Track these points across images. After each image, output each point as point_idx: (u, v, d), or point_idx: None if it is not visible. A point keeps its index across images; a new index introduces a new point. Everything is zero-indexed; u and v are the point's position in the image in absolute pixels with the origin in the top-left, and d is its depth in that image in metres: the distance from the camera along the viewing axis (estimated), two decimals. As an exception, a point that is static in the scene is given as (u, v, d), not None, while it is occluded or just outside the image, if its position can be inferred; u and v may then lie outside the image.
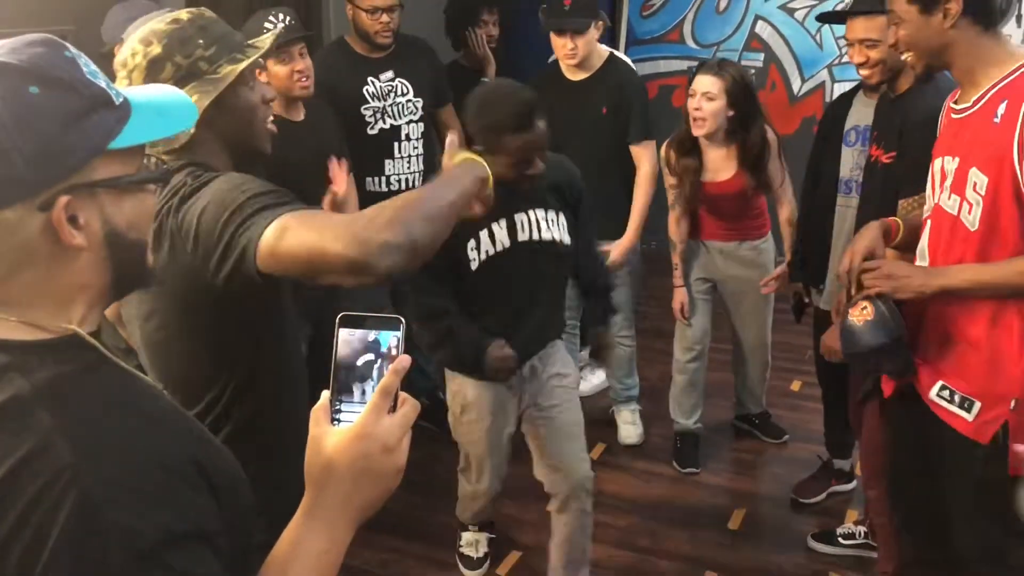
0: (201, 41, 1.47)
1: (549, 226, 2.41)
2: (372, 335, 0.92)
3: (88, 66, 0.89)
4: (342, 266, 1.22)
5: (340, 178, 2.68)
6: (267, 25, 2.74)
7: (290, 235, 1.25)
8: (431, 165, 3.45)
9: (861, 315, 1.94)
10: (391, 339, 0.92)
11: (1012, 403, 1.84)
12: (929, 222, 1.97)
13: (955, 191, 1.87)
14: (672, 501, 3.36)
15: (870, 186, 2.50)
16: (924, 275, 1.91)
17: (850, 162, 2.86)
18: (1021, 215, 1.78)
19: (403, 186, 3.40)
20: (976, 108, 1.86)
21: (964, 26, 1.82)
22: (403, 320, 0.93)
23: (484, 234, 2.35)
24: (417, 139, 3.40)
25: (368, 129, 3.30)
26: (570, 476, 2.58)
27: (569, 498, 2.58)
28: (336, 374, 0.91)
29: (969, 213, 1.84)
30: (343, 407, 0.91)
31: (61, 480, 0.77)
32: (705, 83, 3.10)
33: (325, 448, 0.89)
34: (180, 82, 1.43)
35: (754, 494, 3.43)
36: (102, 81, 0.90)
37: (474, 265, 2.35)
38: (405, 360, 0.90)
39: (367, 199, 3.12)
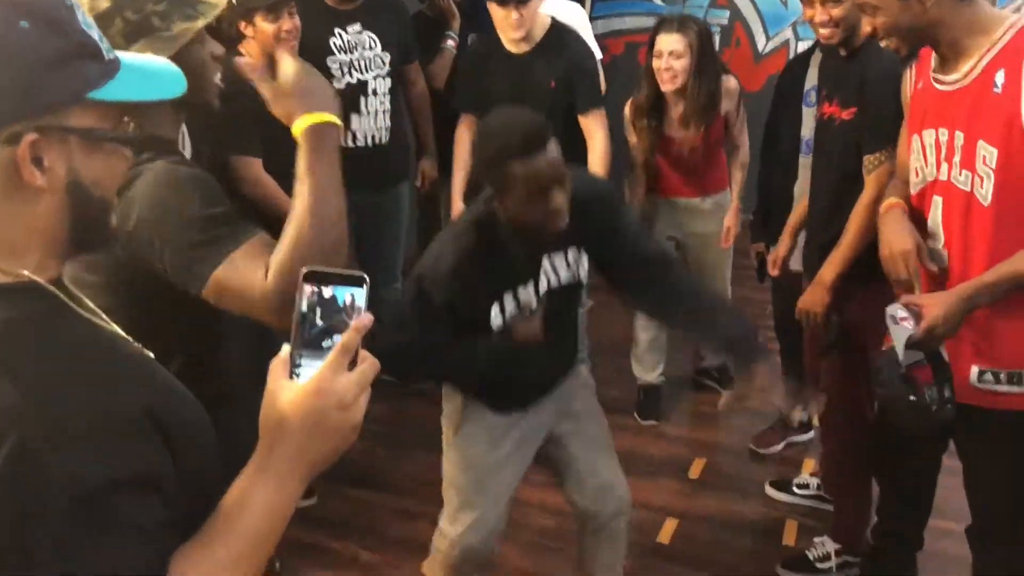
0: None
1: (570, 266, 2.11)
2: (335, 291, 0.92)
3: (85, 18, 0.90)
4: (266, 315, 1.31)
5: None
6: None
7: (232, 281, 1.33)
8: (398, 122, 3.44)
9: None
10: (354, 296, 0.92)
11: None
12: (939, 199, 1.93)
13: (965, 167, 1.85)
14: (634, 452, 3.43)
15: (824, 144, 2.53)
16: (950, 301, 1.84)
17: (811, 122, 2.90)
18: None
19: (369, 142, 3.36)
20: (971, 79, 1.83)
21: (943, 4, 1.79)
22: (367, 278, 0.93)
23: (509, 297, 2.05)
24: (384, 95, 3.37)
25: (334, 83, 3.25)
26: (615, 492, 2.34)
27: (611, 519, 2.34)
28: (297, 328, 0.91)
29: (981, 187, 1.82)
30: (303, 361, 0.91)
31: (2, 422, 0.77)
32: (671, 41, 3.15)
33: (280, 402, 0.89)
34: (130, 38, 1.39)
35: (714, 444, 3.52)
36: (95, 34, 0.90)
37: (495, 325, 2.04)
38: (367, 318, 0.91)
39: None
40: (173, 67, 1.02)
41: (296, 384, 0.89)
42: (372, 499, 3.02)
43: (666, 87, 3.20)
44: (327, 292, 0.92)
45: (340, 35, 3.26)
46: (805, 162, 2.93)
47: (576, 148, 3.28)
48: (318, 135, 1.36)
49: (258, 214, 2.72)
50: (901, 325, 1.89)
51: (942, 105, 1.91)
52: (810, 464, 3.27)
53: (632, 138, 3.38)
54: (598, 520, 2.34)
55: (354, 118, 3.33)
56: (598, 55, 3.59)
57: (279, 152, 2.76)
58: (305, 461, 0.90)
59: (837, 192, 2.42)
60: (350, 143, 3.35)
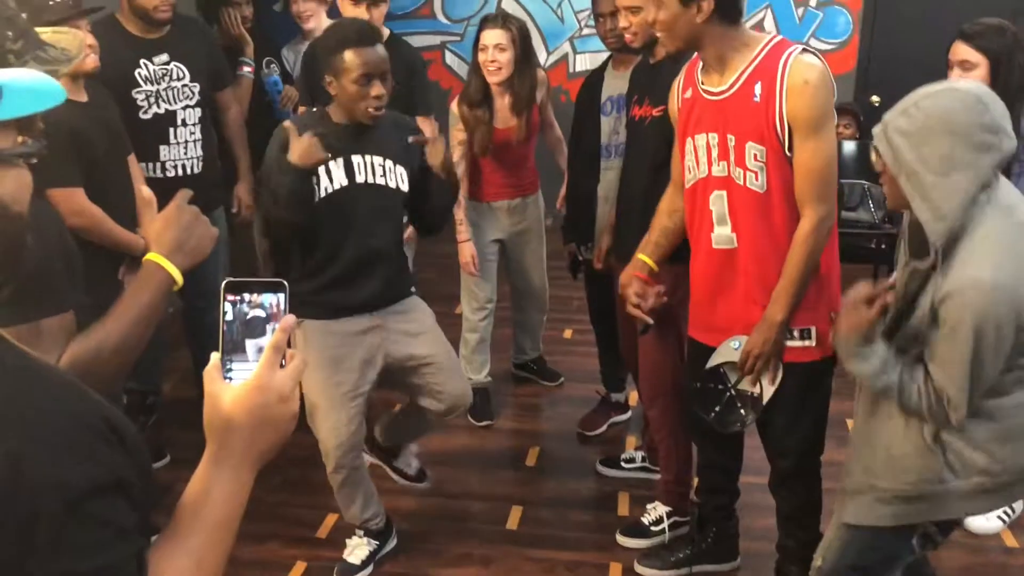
0: (10, 33, 1.43)
1: (386, 172, 2.60)
2: (257, 298, 1.02)
3: None
4: None
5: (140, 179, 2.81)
6: None
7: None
8: (209, 150, 3.44)
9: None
10: (275, 301, 1.02)
11: (832, 315, 2.22)
12: (723, 193, 2.25)
13: (738, 164, 2.20)
14: (472, 449, 3.62)
15: (637, 142, 2.82)
16: (766, 329, 2.24)
17: (608, 128, 3.21)
18: (790, 174, 2.15)
19: (180, 172, 3.34)
20: (734, 90, 2.19)
21: (714, 22, 2.14)
22: (286, 283, 1.04)
23: (322, 171, 2.51)
24: (194, 124, 3.36)
25: (141, 113, 3.22)
26: (463, 399, 2.83)
27: (453, 413, 2.85)
28: (225, 336, 1.00)
29: (756, 179, 2.19)
30: (233, 366, 1.00)
31: None
32: (495, 36, 3.40)
33: (223, 402, 0.98)
34: None
35: (544, 432, 3.77)
36: None
37: (316, 198, 2.51)
38: (290, 319, 1.01)
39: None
40: (44, 76, 1.05)
41: (236, 385, 0.99)
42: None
43: (492, 79, 3.44)
44: (249, 299, 1.02)
45: (146, 65, 3.22)
46: (606, 165, 3.22)
47: None
48: (153, 272, 1.48)
49: (84, 242, 2.67)
50: (727, 346, 2.33)
51: (712, 112, 2.25)
52: (633, 440, 3.58)
53: (460, 135, 3.55)
54: (440, 416, 2.85)
55: (163, 149, 3.31)
56: None
57: (105, 177, 2.76)
58: (255, 451, 1.00)
59: (651, 181, 2.69)
60: (159, 173, 3.32)
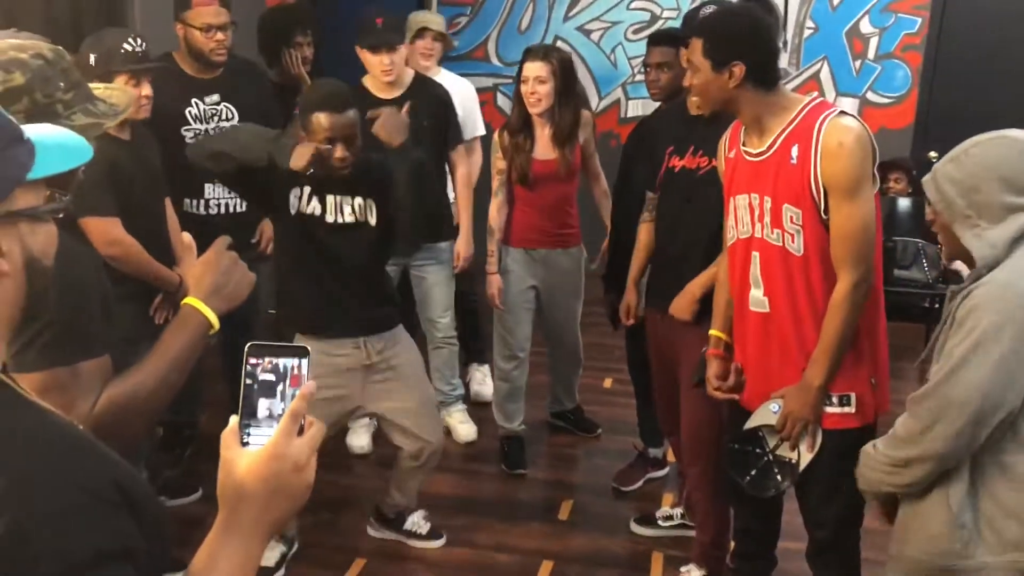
0: (62, 84, 1.47)
1: (355, 210, 2.71)
2: (279, 362, 0.99)
3: None
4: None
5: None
6: (126, 46, 2.69)
7: (48, 395, 1.39)
8: None
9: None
10: (297, 366, 1.00)
11: (872, 381, 2.18)
12: (757, 254, 2.23)
13: (775, 226, 2.18)
14: (504, 498, 3.55)
15: (686, 192, 2.77)
16: (803, 394, 2.18)
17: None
18: (826, 237, 2.11)
19: (222, 210, 3.38)
20: (772, 152, 2.17)
21: (748, 87, 2.15)
22: (309, 349, 1.02)
23: (304, 191, 2.67)
24: None
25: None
26: (431, 444, 2.94)
27: (425, 458, 2.96)
28: (245, 400, 0.98)
29: (793, 242, 2.16)
30: (252, 430, 0.98)
31: None
32: (536, 68, 3.44)
33: (238, 469, 0.95)
34: (31, 118, 1.40)
35: (579, 485, 3.68)
36: (10, 116, 0.94)
37: (292, 211, 2.67)
38: (311, 386, 0.99)
39: (186, 220, 3.13)
40: (70, 133, 1.06)
41: (251, 451, 0.96)
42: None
43: (533, 109, 3.45)
44: (271, 364, 0.99)
45: (197, 104, 3.27)
46: (648, 217, 3.17)
47: (442, 179, 3.72)
48: (190, 316, 1.54)
49: (116, 272, 2.71)
50: (767, 409, 2.26)
51: (751, 173, 2.24)
52: (669, 498, 3.48)
53: (500, 163, 3.57)
54: (418, 459, 2.97)
55: (208, 187, 3.34)
56: (480, 126, 4.05)
57: (141, 213, 2.79)
58: (266, 521, 0.97)
59: (714, 230, 2.61)
60: (203, 210, 3.36)
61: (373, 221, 2.74)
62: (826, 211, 2.10)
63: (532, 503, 3.53)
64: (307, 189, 2.67)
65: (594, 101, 6.02)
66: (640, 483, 3.59)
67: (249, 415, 0.98)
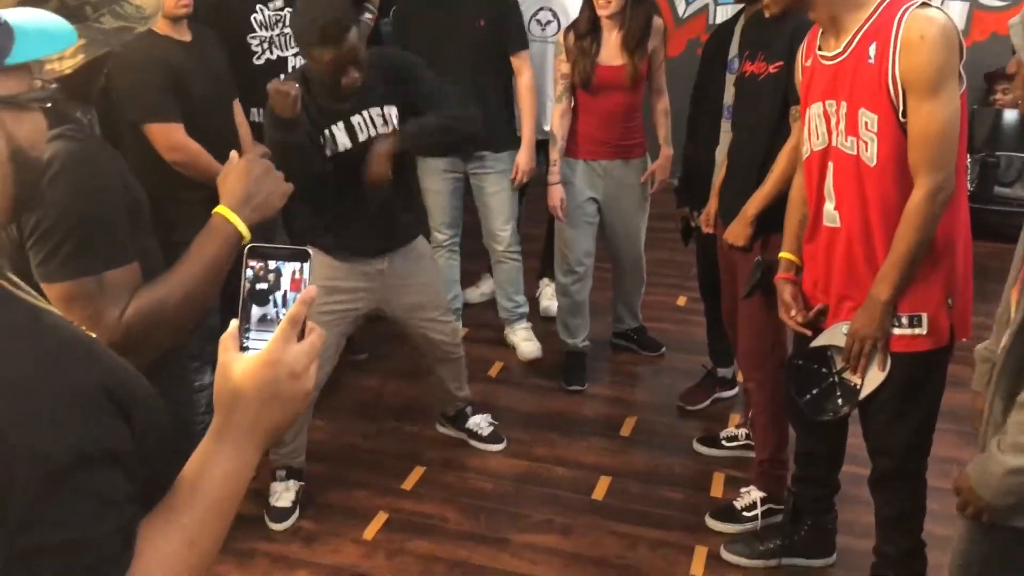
0: None
1: (386, 121, 2.67)
2: (279, 266, 0.95)
3: None
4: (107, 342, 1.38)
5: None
6: None
7: (67, 305, 1.39)
8: None
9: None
10: (298, 270, 0.96)
11: (948, 301, 2.04)
12: (831, 165, 2.09)
13: (850, 133, 2.02)
14: (566, 413, 3.53)
15: (749, 99, 2.63)
16: (869, 310, 2.04)
17: (732, 89, 2.99)
18: (903, 144, 1.95)
19: None
20: (849, 52, 2.00)
21: None
22: (310, 252, 0.97)
23: (328, 133, 2.62)
24: None
25: (254, 59, 3.23)
26: (449, 342, 3.03)
27: (446, 353, 3.05)
28: (244, 304, 0.95)
29: (867, 150, 2.00)
30: (251, 335, 0.94)
31: None
32: None
33: (233, 374, 0.92)
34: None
35: (643, 403, 3.63)
36: None
37: (328, 153, 2.63)
38: (312, 291, 0.95)
39: (253, 130, 3.10)
40: (55, 18, 1.01)
41: (248, 356, 0.93)
42: (311, 470, 3.04)
43: (602, 11, 3.30)
44: (272, 267, 0.95)
45: (262, 11, 3.21)
46: (727, 127, 3.02)
47: (500, 83, 3.62)
48: (219, 225, 1.53)
49: (183, 178, 2.72)
50: (838, 329, 2.14)
51: (828, 79, 2.07)
52: (735, 418, 3.40)
53: (563, 67, 3.43)
54: (435, 354, 3.06)
55: None
56: None
57: (206, 117, 2.79)
58: (260, 430, 0.94)
59: (768, 145, 2.52)
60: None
61: (397, 125, 2.69)
62: (904, 114, 1.93)
63: (594, 419, 3.49)
64: (330, 127, 2.62)
65: (680, 7, 5.76)
66: (707, 403, 3.52)
67: (248, 319, 0.95)
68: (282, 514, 2.86)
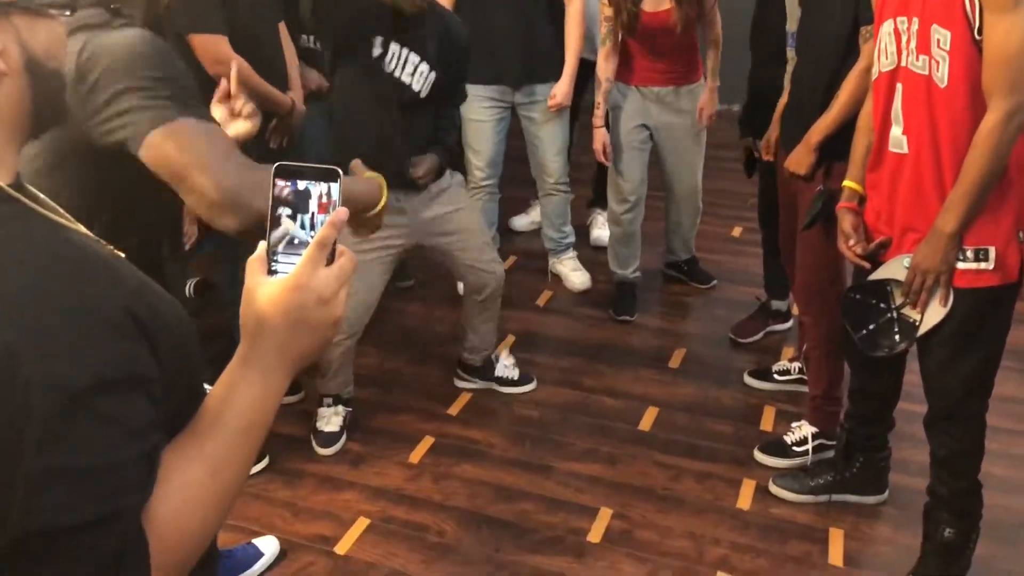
0: None
1: (414, 72, 2.64)
2: (309, 186, 0.90)
3: None
4: (200, 199, 1.36)
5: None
6: None
7: (171, 146, 1.35)
8: None
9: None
10: (328, 190, 0.91)
11: (1020, 235, 1.93)
12: (900, 86, 1.98)
13: (922, 51, 1.90)
14: (615, 343, 3.49)
15: (814, 21, 2.51)
16: (934, 241, 1.94)
17: (796, 14, 2.84)
18: (978, 64, 1.82)
19: None
20: None
21: None
22: (340, 172, 0.92)
23: (377, 40, 2.60)
24: None
25: None
26: (494, 275, 2.94)
27: (490, 292, 2.96)
28: (272, 225, 0.90)
29: (938, 70, 1.88)
30: (279, 258, 0.90)
31: None
32: None
33: (259, 299, 0.88)
34: None
35: (694, 335, 3.57)
36: None
37: (375, 54, 2.61)
38: (343, 212, 0.90)
39: (303, 55, 3.08)
40: None
41: (274, 280, 0.89)
42: (358, 395, 3.06)
43: None
44: (301, 187, 0.90)
45: None
46: (791, 54, 2.89)
47: (551, 13, 3.49)
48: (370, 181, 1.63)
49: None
50: (898, 263, 2.05)
51: None
52: (789, 351, 3.33)
53: (607, 10, 3.30)
54: (480, 294, 2.96)
55: None
56: None
57: (251, 34, 2.75)
58: (288, 355, 0.90)
59: (833, 67, 2.42)
60: (314, 45, 3.25)
61: (424, 93, 2.67)
62: (980, 31, 1.80)
63: (643, 350, 3.45)
64: (379, 39, 2.60)
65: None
66: (759, 335, 3.45)
67: (277, 241, 0.90)
68: (330, 438, 2.88)
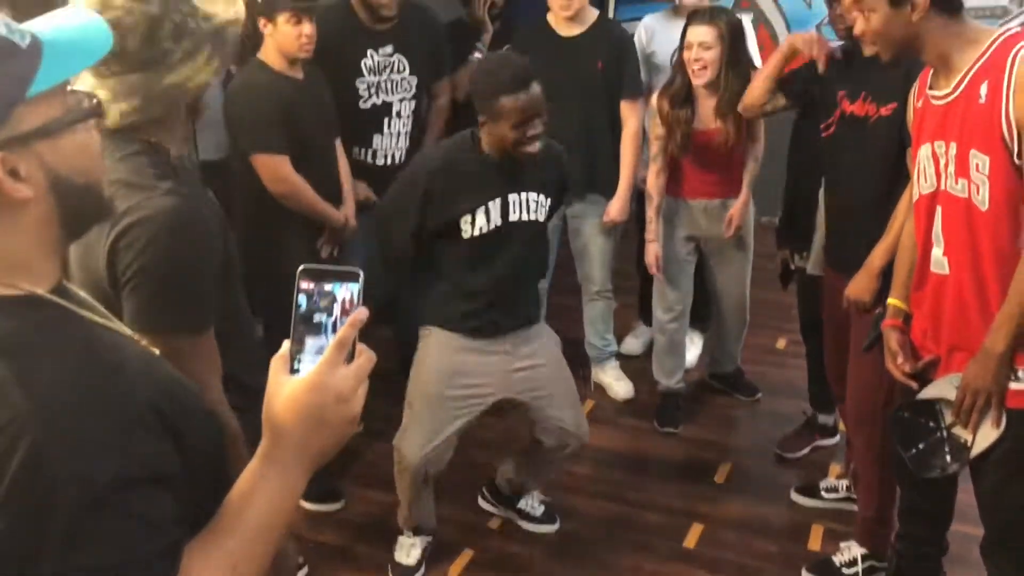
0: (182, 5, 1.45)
1: (537, 208, 2.57)
2: (331, 287, 0.94)
3: None
4: None
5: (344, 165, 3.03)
6: None
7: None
8: (416, 141, 3.43)
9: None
10: (350, 291, 0.94)
11: None
12: (940, 208, 2.01)
13: (960, 175, 1.93)
14: (659, 456, 3.45)
15: (860, 142, 2.55)
16: (983, 361, 1.91)
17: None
18: (1018, 187, 1.85)
19: (388, 161, 3.36)
20: (959, 91, 1.92)
21: (932, 16, 1.89)
22: (361, 273, 0.95)
23: (480, 212, 2.48)
24: (407, 116, 3.37)
25: (361, 103, 3.26)
26: (578, 434, 2.74)
27: (568, 452, 2.78)
28: (296, 325, 0.94)
29: (978, 193, 1.90)
30: (302, 357, 0.93)
31: (12, 428, 0.79)
32: (700, 33, 3.18)
33: (280, 398, 0.91)
34: (176, 39, 1.39)
35: (739, 449, 3.52)
36: (1, 27, 0.85)
37: (465, 235, 2.49)
38: (363, 313, 0.93)
39: (354, 167, 3.19)
40: (91, 17, 0.98)
41: (296, 379, 0.92)
42: (390, 499, 3.03)
43: (696, 80, 3.22)
44: (324, 288, 0.94)
45: (372, 56, 3.25)
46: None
47: (615, 129, 3.56)
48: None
49: (287, 211, 2.79)
50: (948, 381, 2.03)
51: (938, 119, 1.99)
52: (836, 469, 3.26)
53: (658, 130, 3.38)
54: (557, 453, 2.78)
55: (376, 138, 3.35)
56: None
57: (311, 152, 2.86)
58: (307, 454, 0.93)
59: (885, 191, 2.44)
60: (370, 159, 3.37)
61: (542, 218, 2.61)
62: (1020, 155, 1.83)
63: (688, 463, 3.40)
64: (486, 204, 2.48)
65: (780, 29, 5.66)
66: (806, 450, 3.39)
67: (300, 341, 0.94)
68: (407, 572, 2.76)
